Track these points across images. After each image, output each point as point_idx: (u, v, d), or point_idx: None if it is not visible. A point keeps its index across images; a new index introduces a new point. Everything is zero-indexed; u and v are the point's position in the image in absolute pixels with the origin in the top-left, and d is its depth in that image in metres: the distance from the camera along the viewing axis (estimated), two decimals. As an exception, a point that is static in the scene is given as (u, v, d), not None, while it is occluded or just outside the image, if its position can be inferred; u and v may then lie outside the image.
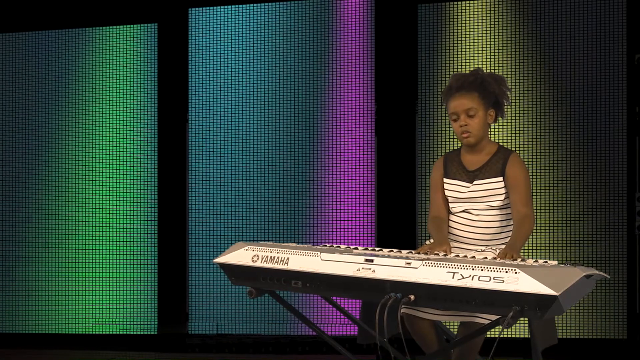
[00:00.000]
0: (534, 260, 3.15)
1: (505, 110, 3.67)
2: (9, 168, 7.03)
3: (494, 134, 5.97)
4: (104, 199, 6.82)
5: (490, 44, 6.13)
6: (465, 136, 3.59)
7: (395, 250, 3.39)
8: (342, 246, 3.53)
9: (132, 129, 6.79)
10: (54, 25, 6.94)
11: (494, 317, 3.11)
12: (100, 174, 6.83)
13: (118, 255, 6.78)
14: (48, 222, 6.92)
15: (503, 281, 2.84)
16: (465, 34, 6.18)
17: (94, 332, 6.80)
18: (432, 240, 3.61)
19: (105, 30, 6.85)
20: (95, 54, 6.86)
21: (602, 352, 5.94)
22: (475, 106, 3.56)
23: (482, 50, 6.13)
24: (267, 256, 3.35)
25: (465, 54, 6.16)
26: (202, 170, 6.66)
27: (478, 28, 6.15)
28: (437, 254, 3.32)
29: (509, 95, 3.65)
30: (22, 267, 6.97)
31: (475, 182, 3.59)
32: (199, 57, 6.68)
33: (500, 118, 3.68)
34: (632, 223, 5.89)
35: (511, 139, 6.01)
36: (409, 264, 3.03)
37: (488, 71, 3.68)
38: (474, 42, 6.16)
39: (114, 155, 6.81)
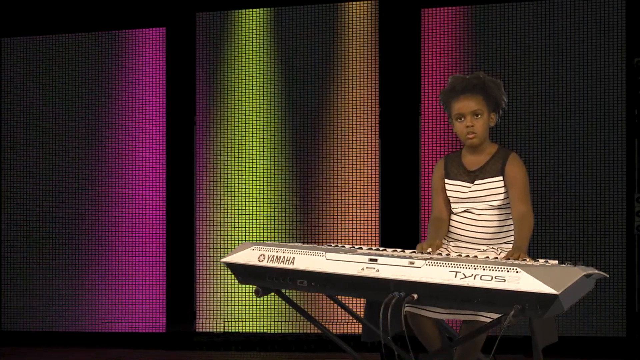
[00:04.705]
0: (534, 259, 3.20)
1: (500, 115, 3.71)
2: (20, 168, 7.06)
3: (495, 134, 6.01)
4: (113, 199, 6.85)
5: (491, 47, 6.17)
6: (470, 137, 3.61)
7: (398, 250, 3.40)
8: (347, 246, 3.53)
9: (140, 130, 6.84)
10: (63, 29, 6.97)
11: (496, 316, 3.13)
12: (109, 174, 6.86)
13: (127, 254, 6.81)
14: (57, 222, 6.93)
15: (504, 280, 2.86)
16: (467, 38, 6.22)
17: (102, 330, 6.82)
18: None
19: (114, 35, 6.90)
20: (103, 58, 6.89)
21: (601, 350, 5.95)
22: (481, 108, 3.59)
23: (483, 53, 6.17)
24: (273, 256, 3.38)
25: (467, 57, 6.19)
26: (209, 171, 6.70)
27: (479, 31, 6.19)
28: (429, 253, 3.35)
29: (505, 101, 3.68)
30: (29, 266, 6.96)
31: (476, 182, 3.62)
32: (206, 60, 6.74)
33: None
34: (632, 223, 5.92)
35: (512, 140, 6.01)
36: (412, 263, 3.05)
37: (487, 76, 3.68)
38: (475, 46, 6.20)
39: (123, 157, 6.84)
